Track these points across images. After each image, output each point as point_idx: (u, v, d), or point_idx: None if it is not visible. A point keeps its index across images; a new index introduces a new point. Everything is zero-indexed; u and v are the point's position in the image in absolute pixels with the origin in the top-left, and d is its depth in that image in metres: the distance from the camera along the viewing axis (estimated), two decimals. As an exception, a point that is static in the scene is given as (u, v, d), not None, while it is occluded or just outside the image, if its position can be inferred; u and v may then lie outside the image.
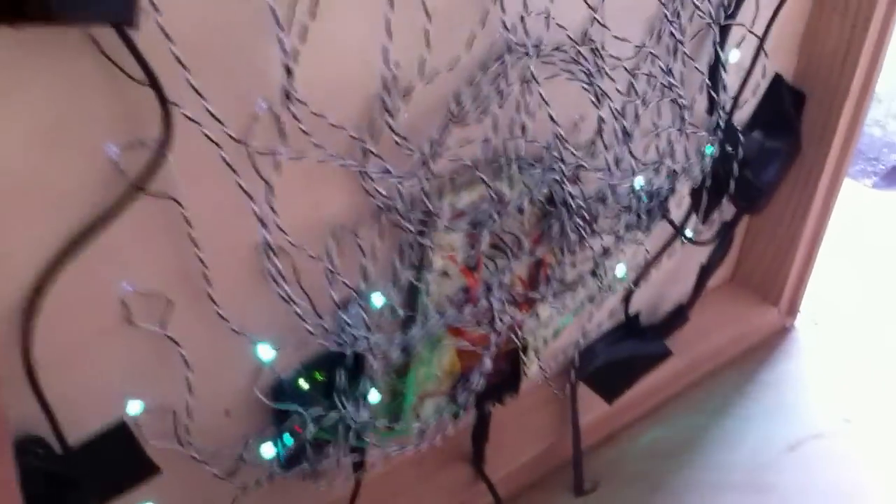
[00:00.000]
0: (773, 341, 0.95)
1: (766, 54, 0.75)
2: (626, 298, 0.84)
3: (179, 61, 0.44)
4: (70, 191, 0.46)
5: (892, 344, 0.95)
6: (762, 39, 0.75)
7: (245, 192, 0.50)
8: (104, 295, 0.50)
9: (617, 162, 0.67)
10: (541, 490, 0.78)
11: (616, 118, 0.65)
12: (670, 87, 0.69)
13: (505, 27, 0.57)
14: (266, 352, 0.59)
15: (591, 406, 0.82)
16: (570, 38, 0.60)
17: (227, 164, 0.48)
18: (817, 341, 0.95)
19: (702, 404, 0.86)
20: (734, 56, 0.75)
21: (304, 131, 0.51)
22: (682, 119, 0.70)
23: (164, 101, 0.45)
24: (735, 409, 0.86)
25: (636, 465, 0.80)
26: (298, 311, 0.56)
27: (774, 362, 0.92)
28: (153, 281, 0.51)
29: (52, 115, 0.43)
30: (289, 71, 0.48)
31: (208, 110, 0.46)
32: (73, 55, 0.43)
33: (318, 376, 0.62)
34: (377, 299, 0.61)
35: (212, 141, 0.47)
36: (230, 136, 0.48)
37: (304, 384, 0.62)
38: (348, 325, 0.59)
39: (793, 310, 0.98)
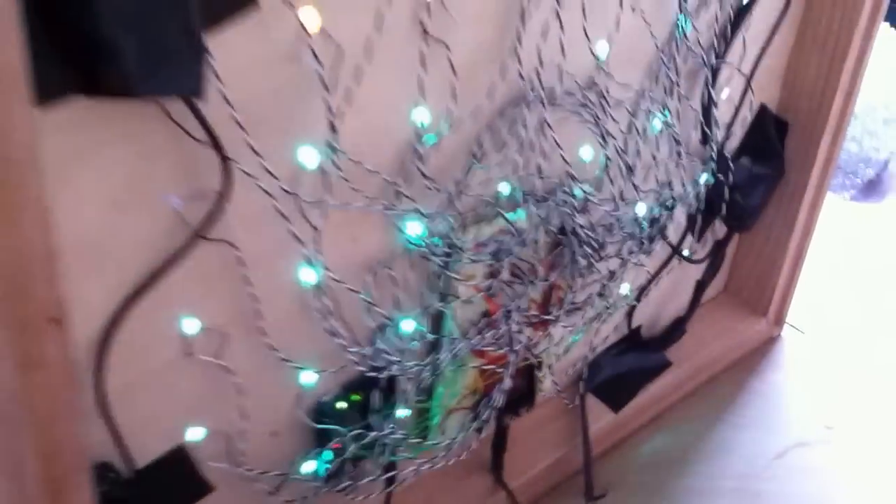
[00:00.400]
0: (762, 350, 0.97)
1: (752, 91, 0.78)
2: (629, 313, 0.86)
3: (239, 124, 0.47)
4: (140, 240, 0.48)
5: (872, 352, 0.97)
6: (749, 78, 0.78)
7: (297, 237, 0.52)
8: (168, 331, 0.52)
9: (621, 194, 0.70)
10: (555, 497, 0.80)
11: (620, 155, 0.68)
12: (668, 125, 0.71)
13: (521, 77, 0.59)
14: (308, 377, 0.61)
15: (599, 416, 0.84)
16: (579, 85, 0.63)
17: (281, 214, 0.51)
18: (803, 350, 0.97)
19: (698, 413, 0.88)
20: (725, 93, 0.78)
21: (345, 179, 0.53)
22: (679, 154, 0.73)
23: (224, 158, 0.47)
24: (728, 416, 0.88)
25: (640, 473, 0.82)
26: (343, 342, 0.59)
27: (763, 371, 0.94)
28: (210, 317, 0.54)
29: (125, 173, 0.46)
30: (333, 128, 0.51)
31: (265, 167, 0.49)
32: (143, 120, 0.45)
33: (355, 398, 0.65)
34: (407, 325, 0.63)
35: (267, 193, 0.50)
36: (283, 189, 0.50)
37: (342, 405, 0.64)
38: (385, 351, 0.61)
39: (779, 320, 1.00)
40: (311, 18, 0.47)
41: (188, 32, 0.41)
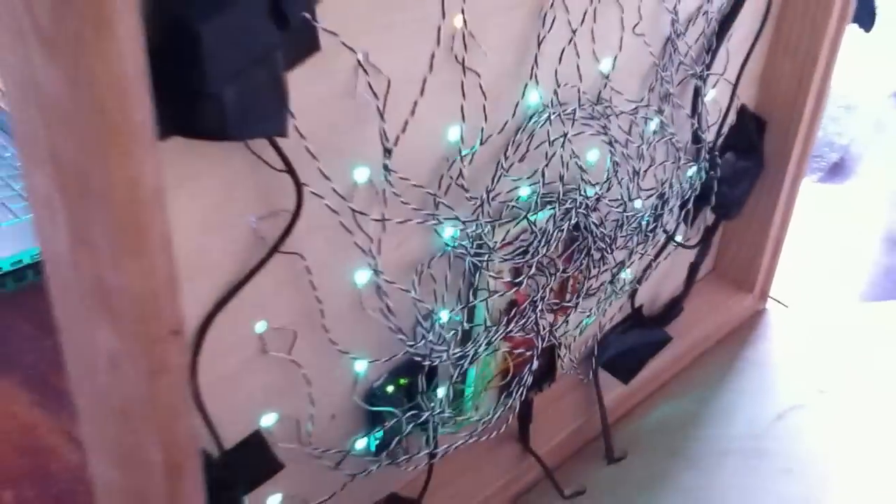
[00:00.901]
0: (750, 323, 1.01)
1: (738, 97, 0.82)
2: (632, 295, 0.90)
3: (311, 153, 0.51)
4: (225, 255, 0.52)
5: (851, 321, 1.01)
6: (735, 85, 0.82)
7: (360, 248, 0.56)
8: (247, 332, 0.56)
9: (629, 194, 0.74)
10: (578, 460, 0.84)
11: (627, 161, 0.72)
12: (664, 129, 0.75)
13: (539, 96, 0.63)
14: (361, 366, 0.65)
15: (611, 387, 0.88)
16: (589, 101, 0.67)
17: (345, 228, 0.55)
18: (787, 321, 1.01)
19: (699, 381, 0.92)
20: (711, 94, 0.82)
21: (396, 195, 0.57)
22: (677, 156, 0.77)
23: (298, 183, 0.51)
24: (727, 384, 0.91)
25: (653, 437, 0.85)
26: (403, 337, 0.63)
27: (754, 342, 0.98)
28: (282, 318, 0.57)
29: (212, 200, 0.49)
30: (388, 152, 0.55)
31: (335, 190, 0.53)
32: (227, 153, 0.48)
33: (402, 382, 0.69)
34: (444, 316, 0.67)
35: (333, 211, 0.54)
36: (350, 208, 0.54)
37: (391, 389, 0.68)
38: (431, 341, 0.65)
39: (764, 295, 1.04)
40: (364, 57, 0.51)
41: (276, 82, 0.44)
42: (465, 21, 0.55)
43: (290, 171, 0.50)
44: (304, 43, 0.47)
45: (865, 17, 0.88)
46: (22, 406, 0.81)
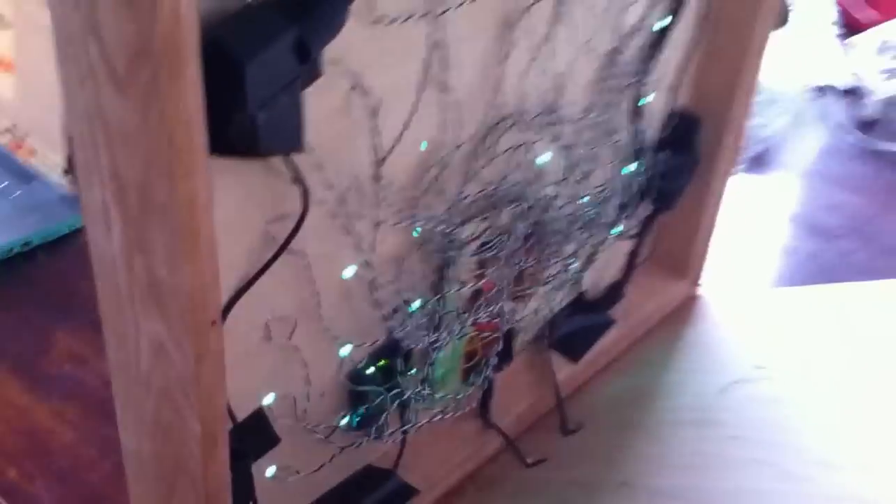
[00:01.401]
0: (686, 306, 1.12)
1: (675, 101, 0.93)
2: (577, 281, 1.00)
3: (318, 166, 0.60)
4: (241, 253, 0.61)
5: (778, 302, 1.13)
6: (673, 89, 0.93)
7: (358, 246, 0.66)
8: (255, 321, 0.65)
9: (581, 192, 0.84)
10: (536, 432, 0.94)
11: (578, 162, 0.82)
12: (609, 132, 0.86)
13: (503, 107, 0.73)
14: (348, 349, 0.74)
15: (562, 366, 0.98)
16: (546, 110, 0.77)
17: (346, 230, 0.64)
18: (719, 304, 1.13)
19: (644, 360, 1.03)
20: (651, 98, 0.92)
21: (385, 199, 0.67)
22: (621, 156, 0.88)
23: (305, 191, 0.60)
24: (670, 362, 1.02)
25: (606, 410, 0.96)
26: (392, 323, 0.72)
27: (691, 324, 1.08)
28: (284, 308, 0.66)
29: (232, 204, 0.58)
30: (379, 162, 0.64)
31: (338, 198, 0.62)
32: (249, 166, 0.57)
33: (382, 363, 0.78)
34: (416, 304, 0.77)
35: (335, 214, 0.63)
36: (352, 213, 0.64)
37: (372, 370, 0.78)
38: (412, 326, 0.75)
39: (696, 281, 1.15)
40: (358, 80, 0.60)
41: (296, 106, 0.54)
42: (443, 45, 0.65)
43: (300, 180, 0.59)
44: (311, 70, 0.57)
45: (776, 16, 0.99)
46: (14, 391, 0.89)
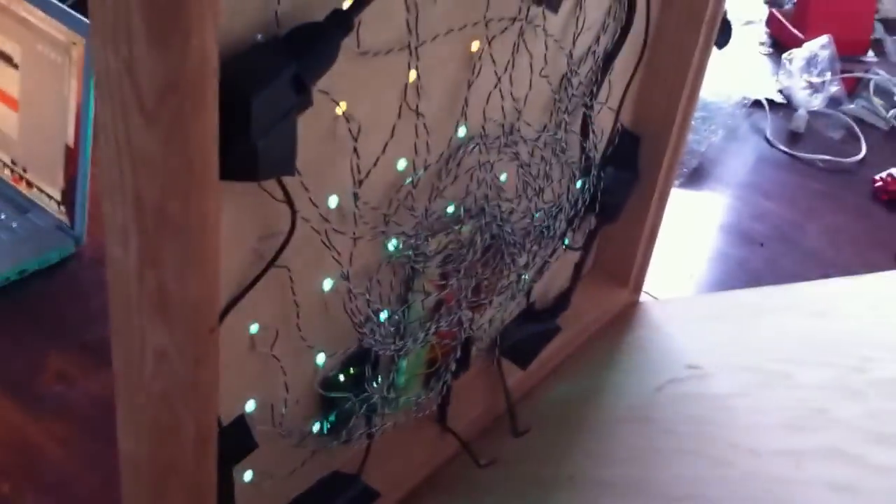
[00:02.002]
0: (627, 313, 1.20)
1: (620, 122, 1.01)
2: (528, 292, 1.08)
3: (304, 187, 0.66)
4: (232, 269, 0.66)
5: (711, 307, 1.22)
6: (618, 110, 1.01)
7: (338, 261, 0.72)
8: (241, 332, 0.71)
9: (535, 206, 0.92)
10: (489, 435, 1.01)
11: (533, 179, 0.90)
12: (561, 151, 0.94)
13: (467, 129, 0.81)
14: (322, 358, 0.81)
15: (513, 372, 1.06)
16: (505, 131, 0.85)
17: (326, 245, 0.71)
18: (658, 310, 1.22)
19: (587, 364, 1.11)
20: (597, 118, 1.01)
21: (361, 216, 0.74)
22: (571, 173, 0.96)
23: (293, 211, 0.66)
24: (611, 364, 1.10)
25: (552, 413, 1.04)
26: (364, 332, 0.79)
27: (631, 329, 1.17)
28: (267, 319, 0.73)
29: (228, 224, 0.63)
30: (359, 183, 0.71)
31: (322, 216, 0.68)
32: (243, 187, 0.63)
33: (352, 371, 0.85)
34: (384, 314, 0.84)
35: (316, 231, 0.70)
36: (334, 230, 0.70)
37: (342, 378, 0.84)
38: (382, 335, 0.81)
39: (638, 289, 1.24)
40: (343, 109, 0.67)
41: (291, 133, 0.60)
42: (418, 75, 0.72)
43: (289, 201, 0.66)
44: (304, 100, 0.63)
45: (720, 36, 1.08)
46: (8, 410, 0.94)
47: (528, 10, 0.80)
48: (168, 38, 0.48)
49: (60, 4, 1.07)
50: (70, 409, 0.97)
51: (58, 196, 1.15)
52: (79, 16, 1.06)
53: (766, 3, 1.95)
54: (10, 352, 1.02)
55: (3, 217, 1.15)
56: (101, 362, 1.01)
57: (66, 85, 1.08)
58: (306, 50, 0.59)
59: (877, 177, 1.54)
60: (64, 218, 1.14)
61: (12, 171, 1.18)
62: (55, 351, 1.03)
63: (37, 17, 1.08)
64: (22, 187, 1.18)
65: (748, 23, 1.88)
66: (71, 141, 1.10)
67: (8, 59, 1.13)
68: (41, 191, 1.16)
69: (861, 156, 1.60)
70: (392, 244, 0.79)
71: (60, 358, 1.02)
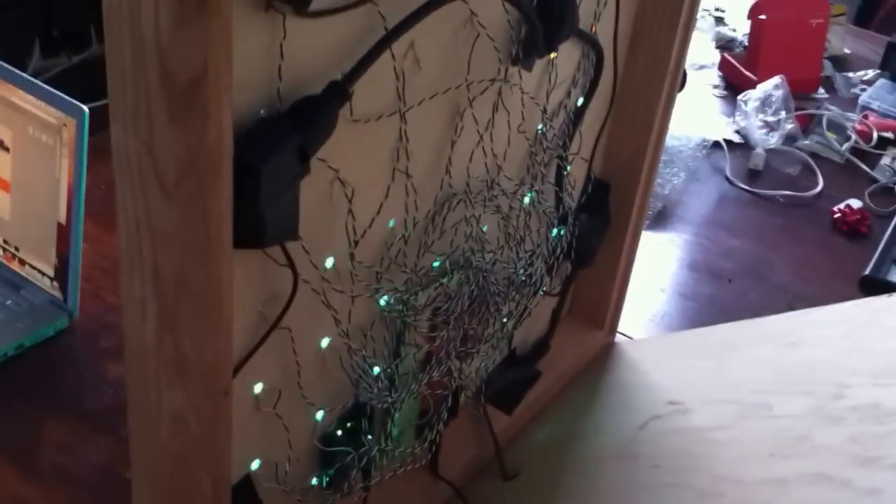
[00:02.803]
0: (604, 354, 1.24)
1: (592, 172, 1.06)
2: (509, 339, 1.12)
3: (305, 250, 0.70)
4: (238, 331, 0.69)
5: (686, 344, 1.26)
6: (590, 160, 1.06)
7: (336, 319, 0.75)
8: (247, 393, 0.74)
9: (518, 255, 0.96)
10: (480, 480, 1.04)
11: (515, 230, 0.94)
12: (539, 202, 0.98)
13: (451, 186, 0.85)
14: (321, 414, 0.84)
15: (499, 417, 1.09)
16: (487, 185, 0.89)
17: (326, 304, 0.74)
18: (634, 350, 1.26)
19: (569, 406, 1.14)
20: (571, 167, 1.05)
21: (356, 274, 0.77)
22: (548, 222, 1.00)
23: (295, 274, 0.70)
24: (592, 406, 1.14)
25: (540, 454, 1.07)
26: (361, 386, 0.82)
27: (610, 369, 1.21)
28: (271, 379, 0.76)
29: (235, 287, 0.67)
30: (355, 244, 0.75)
31: (322, 276, 0.72)
32: (249, 253, 0.66)
33: (349, 425, 0.88)
34: (378, 369, 0.87)
35: (316, 292, 0.73)
36: (334, 289, 0.74)
37: (340, 432, 0.87)
38: (379, 388, 0.85)
39: (613, 330, 1.28)
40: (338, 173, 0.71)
41: (294, 200, 0.64)
42: (406, 138, 0.76)
43: (291, 265, 0.69)
44: (305, 168, 0.67)
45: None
46: (11, 482, 0.97)
47: (506, 70, 0.84)
48: (188, 120, 0.52)
49: (50, 88, 1.10)
50: (72, 477, 0.99)
51: (51, 272, 1.18)
52: (68, 98, 1.09)
53: (718, 47, 2.02)
54: (11, 424, 1.05)
55: (-1, 294, 1.18)
56: (100, 430, 1.04)
57: (57, 165, 1.11)
58: (308, 122, 0.62)
59: (835, 208, 1.60)
60: (57, 293, 1.18)
61: (5, 250, 1.21)
62: (54, 421, 1.06)
63: (27, 100, 1.12)
64: (15, 265, 1.21)
65: (701, 67, 1.94)
66: (63, 218, 1.13)
67: (-1, 143, 1.17)
68: (34, 268, 1.20)
69: (819, 189, 1.66)
70: (384, 300, 0.83)
71: (60, 428, 1.05)
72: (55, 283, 1.18)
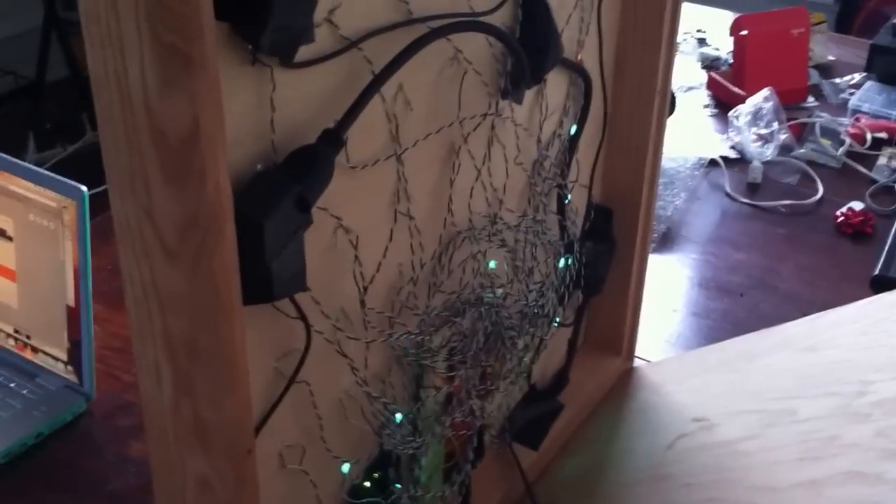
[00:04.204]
0: (624, 380, 1.23)
1: (592, 198, 1.05)
2: (528, 374, 1.10)
3: (314, 301, 0.69)
4: (255, 391, 0.69)
5: (704, 360, 1.25)
6: (590, 188, 1.05)
7: (353, 368, 0.74)
8: (271, 451, 0.73)
9: (528, 287, 0.95)
10: (514, 519, 1.03)
11: (524, 263, 0.93)
12: (542, 232, 0.97)
13: (454, 224, 0.84)
14: (346, 467, 0.82)
15: (526, 453, 1.08)
16: (490, 221, 0.88)
17: (342, 354, 0.73)
18: (653, 373, 1.24)
19: (596, 434, 1.13)
20: (571, 196, 1.04)
21: (369, 321, 0.76)
22: (554, 252, 0.99)
23: (307, 326, 0.69)
24: (618, 432, 1.12)
25: (571, 486, 1.05)
26: (385, 434, 0.81)
27: (632, 394, 1.19)
28: (293, 436, 0.74)
29: (248, 344, 0.66)
30: (364, 290, 0.74)
31: (336, 326, 0.71)
32: (259, 308, 0.66)
33: (375, 476, 0.86)
34: (399, 415, 0.86)
35: (329, 342, 0.72)
36: (348, 337, 0.73)
37: (367, 483, 0.86)
38: (403, 435, 0.83)
39: (630, 355, 1.26)
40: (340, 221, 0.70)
41: (300, 251, 0.63)
42: (405, 180, 0.75)
43: (303, 317, 0.68)
44: (307, 218, 0.66)
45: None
46: None
47: (497, 104, 0.84)
48: (185, 181, 0.51)
49: (47, 172, 1.10)
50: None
51: (64, 356, 1.17)
52: (66, 180, 1.10)
53: (704, 67, 2.02)
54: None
55: (13, 385, 1.18)
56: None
57: (61, 248, 1.11)
58: (305, 171, 0.62)
59: (837, 212, 1.59)
60: (72, 377, 1.17)
61: (16, 339, 1.21)
62: (75, 506, 1.04)
63: (26, 187, 1.12)
64: (27, 353, 1.21)
65: (689, 88, 1.94)
66: (72, 301, 1.12)
67: (1, 233, 1.17)
68: (47, 354, 1.19)
69: (819, 196, 1.65)
70: (399, 344, 0.82)
71: (80, 513, 1.04)
72: (69, 368, 1.17)
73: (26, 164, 1.14)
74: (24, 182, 1.13)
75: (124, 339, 1.24)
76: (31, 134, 2.98)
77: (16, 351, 1.22)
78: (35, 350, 1.20)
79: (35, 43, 3.24)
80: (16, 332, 1.21)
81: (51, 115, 3.22)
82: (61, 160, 2.93)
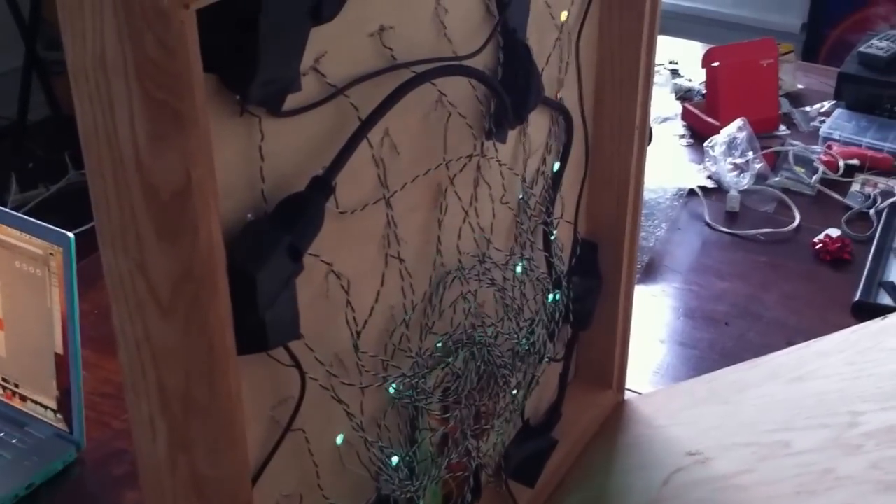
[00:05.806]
0: (616, 413, 1.21)
1: (578, 234, 1.05)
2: (522, 411, 1.09)
3: (308, 347, 0.68)
4: (255, 438, 0.67)
5: (695, 392, 1.24)
6: (575, 224, 1.04)
7: (348, 413, 0.73)
8: (270, 501, 0.71)
9: (518, 325, 0.94)
10: (514, 559, 1.01)
11: (513, 301, 0.92)
12: (530, 269, 0.96)
13: (443, 265, 0.83)
14: (345, 512, 0.81)
15: (521, 492, 1.06)
16: (479, 260, 0.87)
17: (337, 399, 0.71)
18: (645, 405, 1.23)
19: (591, 470, 1.11)
20: (556, 232, 1.03)
21: (362, 365, 0.75)
22: (542, 288, 0.98)
23: (302, 374, 0.67)
24: (615, 465, 1.11)
25: (567, 522, 1.04)
26: (382, 479, 0.79)
27: (625, 428, 1.18)
28: (290, 485, 0.73)
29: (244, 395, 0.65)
30: (357, 334, 0.72)
31: (330, 372, 0.70)
32: (254, 358, 0.64)
33: (376, 521, 0.85)
34: (395, 458, 0.84)
35: (324, 388, 0.70)
36: (343, 382, 0.71)
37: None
38: (400, 479, 0.82)
39: (621, 388, 1.25)
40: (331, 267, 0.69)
41: (292, 299, 0.62)
42: (394, 223, 0.74)
43: (297, 364, 0.67)
44: (298, 266, 0.65)
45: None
46: None
47: (482, 145, 0.83)
48: (178, 236, 0.50)
49: (32, 219, 1.09)
50: None
51: (53, 405, 1.15)
52: (52, 227, 1.08)
53: (678, 98, 2.03)
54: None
55: (2, 435, 1.15)
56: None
57: (48, 295, 1.09)
58: (296, 220, 0.61)
59: (815, 239, 1.59)
60: (62, 425, 1.14)
61: (4, 388, 1.18)
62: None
63: (10, 234, 1.10)
64: (16, 402, 1.18)
65: (665, 120, 1.95)
66: (60, 348, 1.10)
67: (-13, 281, 1.15)
68: (36, 402, 1.17)
69: (796, 223, 1.65)
70: (393, 387, 0.80)
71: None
72: (59, 416, 1.15)
73: (10, 211, 1.12)
74: (9, 229, 1.11)
75: (114, 385, 1.22)
76: (13, 175, 2.95)
77: (4, 400, 1.19)
78: (24, 399, 1.17)
79: (16, 83, 3.22)
80: (4, 380, 1.19)
81: (33, 155, 3.21)
82: (44, 200, 2.91)
